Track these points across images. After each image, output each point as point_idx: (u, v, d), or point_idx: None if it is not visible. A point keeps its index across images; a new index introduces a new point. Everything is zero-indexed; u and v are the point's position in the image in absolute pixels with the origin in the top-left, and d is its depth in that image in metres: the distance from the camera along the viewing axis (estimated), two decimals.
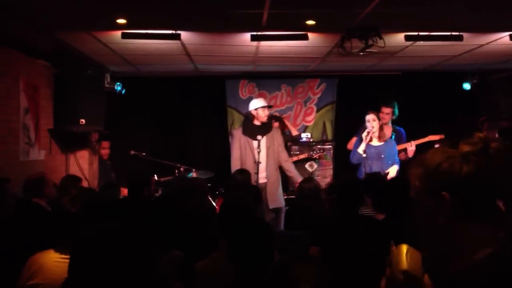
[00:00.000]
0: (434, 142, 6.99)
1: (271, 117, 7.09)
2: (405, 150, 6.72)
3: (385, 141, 6.15)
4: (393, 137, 6.74)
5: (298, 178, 6.37)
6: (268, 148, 6.40)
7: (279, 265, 1.74)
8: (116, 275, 1.88)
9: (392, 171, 6.03)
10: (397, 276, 1.45)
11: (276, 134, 6.57)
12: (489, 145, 1.30)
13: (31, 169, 5.51)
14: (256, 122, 6.44)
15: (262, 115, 6.41)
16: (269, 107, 6.58)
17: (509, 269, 1.19)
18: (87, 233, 1.98)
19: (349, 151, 6.63)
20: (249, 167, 6.18)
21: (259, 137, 6.28)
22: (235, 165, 6.37)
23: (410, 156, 6.70)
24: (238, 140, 6.50)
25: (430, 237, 1.35)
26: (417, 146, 6.82)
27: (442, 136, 7.06)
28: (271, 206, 6.38)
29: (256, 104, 6.48)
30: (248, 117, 6.61)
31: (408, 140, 6.87)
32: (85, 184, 6.20)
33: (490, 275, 1.19)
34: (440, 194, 1.29)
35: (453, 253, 1.29)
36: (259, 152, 6.26)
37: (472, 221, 1.29)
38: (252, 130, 6.43)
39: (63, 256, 2.75)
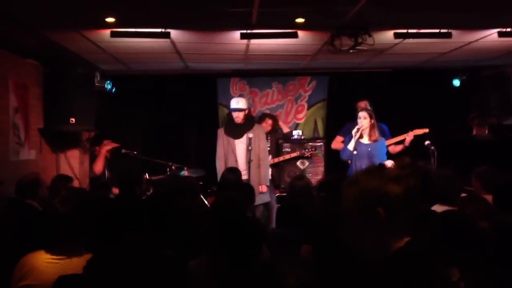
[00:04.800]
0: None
1: (252, 116, 7.10)
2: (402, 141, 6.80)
3: (375, 140, 6.18)
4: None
5: (263, 181, 6.42)
6: (248, 146, 6.43)
7: (268, 264, 1.75)
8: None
9: (388, 163, 6.07)
10: None
11: (257, 131, 6.58)
12: (415, 169, 1.69)
13: (21, 169, 5.48)
14: (237, 121, 6.48)
15: (234, 117, 6.46)
16: (239, 110, 6.48)
17: (419, 248, 1.69)
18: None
19: (336, 150, 6.67)
20: (231, 165, 6.23)
21: (237, 135, 6.37)
22: (219, 164, 6.47)
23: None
24: (221, 139, 6.58)
25: (359, 240, 1.74)
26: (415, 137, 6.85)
27: (427, 130, 6.95)
28: (255, 203, 6.42)
29: (230, 106, 6.54)
30: (229, 116, 6.65)
31: (393, 135, 6.96)
32: (76, 183, 6.18)
33: (409, 252, 1.66)
34: (376, 210, 1.66)
35: (376, 247, 1.70)
36: (235, 150, 6.37)
37: (396, 226, 1.69)
38: (231, 128, 6.49)
39: (54, 257, 2.74)
